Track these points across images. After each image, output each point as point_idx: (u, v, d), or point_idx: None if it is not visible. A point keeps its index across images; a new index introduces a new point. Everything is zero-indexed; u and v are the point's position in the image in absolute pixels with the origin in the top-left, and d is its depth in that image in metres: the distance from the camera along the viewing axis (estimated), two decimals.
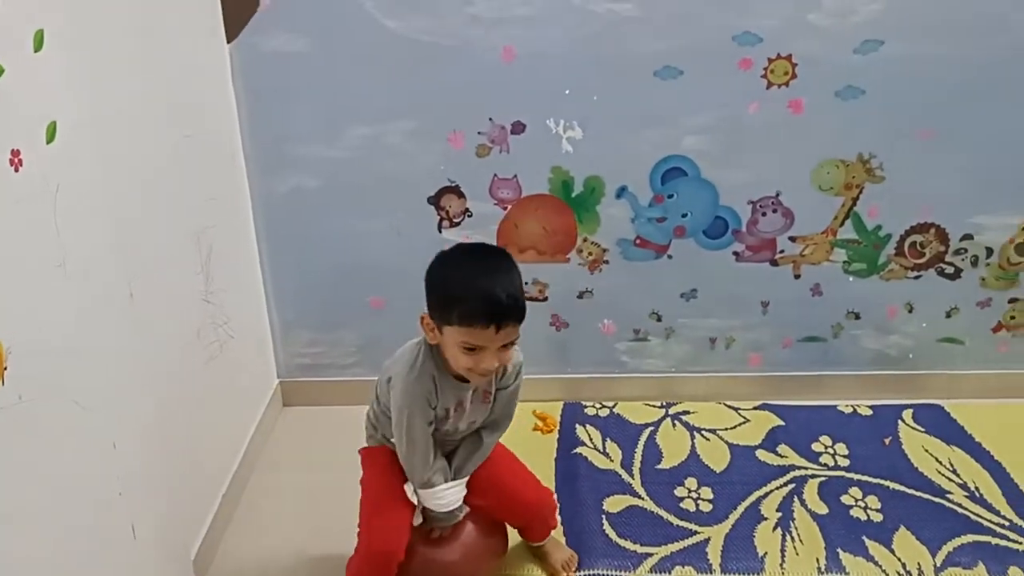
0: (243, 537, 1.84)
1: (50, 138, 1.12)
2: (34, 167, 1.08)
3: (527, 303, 1.35)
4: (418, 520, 1.54)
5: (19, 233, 1.07)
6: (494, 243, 2.07)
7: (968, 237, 2.07)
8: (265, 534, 1.85)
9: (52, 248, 1.14)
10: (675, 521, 1.83)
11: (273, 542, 1.82)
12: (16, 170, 1.05)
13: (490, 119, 1.95)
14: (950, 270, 2.11)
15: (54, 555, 1.17)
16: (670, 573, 1.70)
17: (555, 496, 1.73)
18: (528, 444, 2.03)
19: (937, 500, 1.88)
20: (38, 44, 1.09)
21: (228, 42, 1.87)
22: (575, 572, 1.71)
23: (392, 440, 1.54)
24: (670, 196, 2.03)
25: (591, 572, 1.70)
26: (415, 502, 1.53)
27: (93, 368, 1.26)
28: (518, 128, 1.96)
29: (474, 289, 1.32)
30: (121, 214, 1.38)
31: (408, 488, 1.53)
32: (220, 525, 1.81)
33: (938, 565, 1.70)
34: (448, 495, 1.52)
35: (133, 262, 1.42)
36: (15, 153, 1.04)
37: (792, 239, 2.08)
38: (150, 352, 1.49)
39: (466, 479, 1.56)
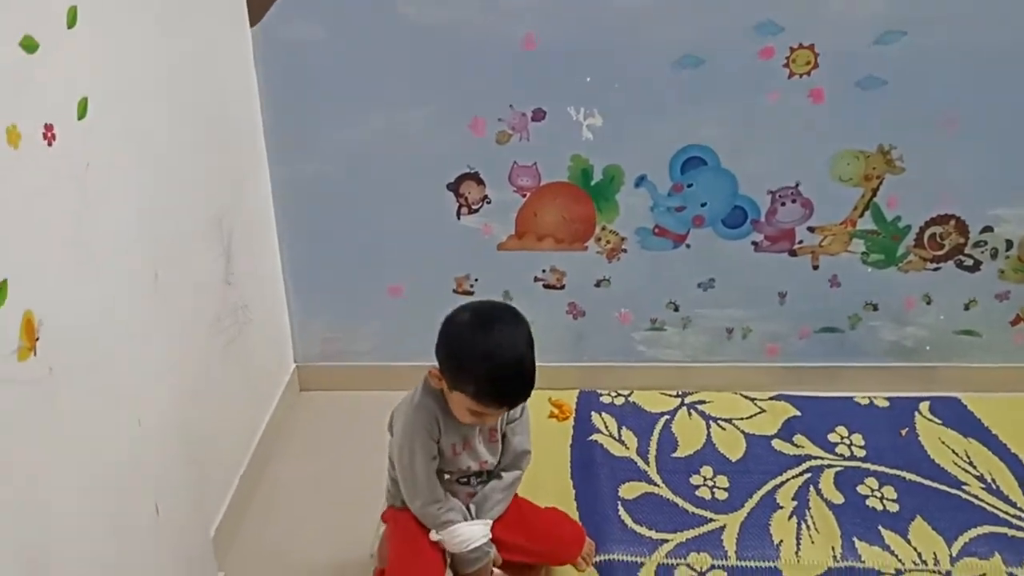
0: (262, 517, 1.86)
1: (81, 114, 1.13)
2: (66, 142, 1.09)
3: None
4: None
5: (51, 208, 1.08)
6: (512, 230, 2.08)
7: (988, 229, 2.06)
8: (283, 515, 1.87)
9: (83, 225, 1.15)
10: (691, 508, 1.84)
11: (291, 522, 1.84)
12: (49, 144, 1.05)
13: (510, 106, 1.95)
14: (969, 262, 2.11)
15: (79, 525, 1.18)
16: (685, 559, 1.71)
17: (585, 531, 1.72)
18: (544, 431, 2.04)
19: (953, 491, 1.87)
20: (71, 20, 1.10)
21: (251, 26, 1.88)
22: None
23: None
24: (689, 185, 2.03)
25: (607, 557, 1.71)
26: (441, 545, 1.52)
27: (119, 345, 1.27)
28: (538, 115, 1.96)
29: (488, 371, 1.37)
30: (147, 194, 1.39)
31: (433, 535, 1.52)
32: (239, 505, 1.83)
33: (954, 555, 1.71)
34: (468, 531, 1.51)
35: (159, 243, 1.43)
36: (48, 128, 1.05)
37: (811, 229, 2.08)
38: (174, 332, 1.50)
39: (489, 520, 1.54)
